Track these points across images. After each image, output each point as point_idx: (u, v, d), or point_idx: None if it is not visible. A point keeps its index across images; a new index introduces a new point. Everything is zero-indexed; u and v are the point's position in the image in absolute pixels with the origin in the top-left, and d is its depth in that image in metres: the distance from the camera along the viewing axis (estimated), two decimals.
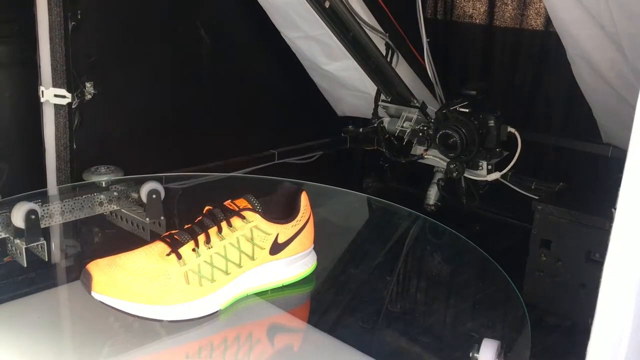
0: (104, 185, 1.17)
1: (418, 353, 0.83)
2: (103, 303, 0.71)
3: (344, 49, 1.39)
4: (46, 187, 1.22)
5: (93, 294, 0.71)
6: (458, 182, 1.47)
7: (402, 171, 1.85)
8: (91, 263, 0.73)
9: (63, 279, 1.06)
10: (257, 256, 0.80)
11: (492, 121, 1.31)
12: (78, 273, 0.75)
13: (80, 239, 1.16)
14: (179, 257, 0.75)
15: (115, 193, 1.17)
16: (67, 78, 1.17)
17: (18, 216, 0.98)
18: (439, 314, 0.97)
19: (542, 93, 1.62)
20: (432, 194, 1.52)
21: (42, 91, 1.17)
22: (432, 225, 1.20)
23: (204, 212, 0.80)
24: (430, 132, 1.38)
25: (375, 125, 1.52)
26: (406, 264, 1.14)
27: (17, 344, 0.76)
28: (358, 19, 1.32)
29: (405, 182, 1.87)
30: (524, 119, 1.63)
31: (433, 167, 1.53)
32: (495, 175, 1.36)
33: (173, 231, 0.78)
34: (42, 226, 1.03)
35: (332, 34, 1.33)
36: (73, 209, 1.12)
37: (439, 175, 1.53)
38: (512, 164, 1.35)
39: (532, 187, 1.46)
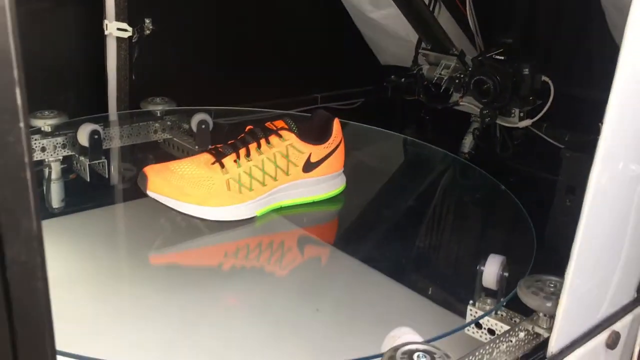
0: (158, 114, 1.27)
1: (430, 267, 0.91)
2: (156, 201, 0.82)
3: None
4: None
5: (148, 192, 0.82)
6: (493, 132, 1.51)
7: (442, 123, 1.89)
8: (147, 167, 0.84)
9: (120, 198, 1.17)
10: (291, 172, 0.89)
11: (527, 69, 1.34)
12: (134, 192, 0.85)
13: (136, 163, 1.27)
14: (222, 166, 0.84)
15: (168, 122, 1.27)
16: (129, 13, 1.25)
17: (83, 135, 1.07)
18: (460, 244, 1.04)
19: (584, 48, 1.62)
20: (467, 142, 1.57)
21: (106, 24, 1.25)
22: (463, 166, 1.26)
23: (246, 130, 0.89)
24: (467, 79, 1.43)
25: (415, 72, 1.57)
26: (436, 201, 1.21)
27: (79, 247, 0.87)
28: None
29: (445, 134, 1.91)
30: (564, 73, 1.64)
31: (470, 117, 1.57)
32: (527, 122, 1.40)
33: (218, 145, 0.88)
34: (104, 147, 1.14)
35: None
36: (130, 134, 1.23)
37: (475, 125, 1.58)
38: (544, 110, 1.38)
39: (566, 139, 1.49)
